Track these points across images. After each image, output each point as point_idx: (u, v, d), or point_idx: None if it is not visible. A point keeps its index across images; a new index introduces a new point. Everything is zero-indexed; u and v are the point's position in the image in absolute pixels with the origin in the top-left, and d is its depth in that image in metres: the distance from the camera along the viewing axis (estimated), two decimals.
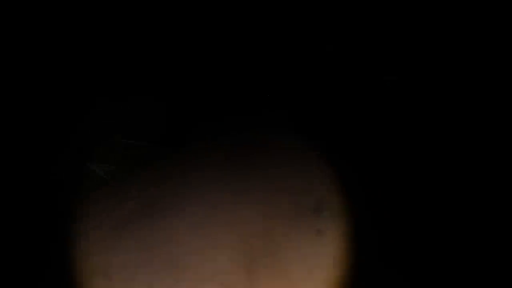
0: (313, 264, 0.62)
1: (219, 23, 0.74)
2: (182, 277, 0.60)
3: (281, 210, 0.63)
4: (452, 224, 0.66)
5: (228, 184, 0.64)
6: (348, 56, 0.74)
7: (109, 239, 0.61)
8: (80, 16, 0.67)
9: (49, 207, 0.62)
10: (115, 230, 0.61)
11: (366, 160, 0.69)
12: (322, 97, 0.75)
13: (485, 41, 0.66)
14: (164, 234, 0.60)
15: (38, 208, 0.62)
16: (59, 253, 0.61)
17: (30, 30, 0.65)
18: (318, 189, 0.67)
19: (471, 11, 0.67)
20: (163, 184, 0.65)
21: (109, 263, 0.59)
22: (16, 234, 0.61)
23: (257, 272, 0.61)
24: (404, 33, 0.71)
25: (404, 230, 0.66)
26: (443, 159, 0.68)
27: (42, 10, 0.66)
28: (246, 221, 0.64)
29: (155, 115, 0.73)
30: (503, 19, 0.66)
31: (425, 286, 0.64)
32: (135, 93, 0.70)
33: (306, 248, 0.63)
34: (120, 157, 0.67)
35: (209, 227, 0.63)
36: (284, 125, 0.73)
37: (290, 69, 0.74)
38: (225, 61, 0.74)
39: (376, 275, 0.63)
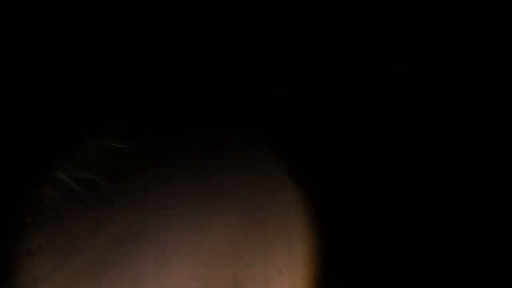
0: (283, 268, 0.62)
1: (208, 25, 0.72)
2: None
3: (253, 220, 0.62)
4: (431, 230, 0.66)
5: (199, 197, 0.62)
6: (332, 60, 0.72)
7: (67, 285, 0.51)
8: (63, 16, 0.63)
9: None
10: (75, 275, 0.52)
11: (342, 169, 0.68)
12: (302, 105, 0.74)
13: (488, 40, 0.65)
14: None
15: None
16: None
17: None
18: (290, 200, 0.67)
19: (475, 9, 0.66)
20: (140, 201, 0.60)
21: None
22: None
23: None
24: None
25: (379, 236, 0.66)
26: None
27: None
28: (216, 235, 0.62)
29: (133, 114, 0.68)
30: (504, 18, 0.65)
31: None
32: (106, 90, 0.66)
33: (277, 254, 0.63)
34: (96, 162, 0.60)
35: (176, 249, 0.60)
36: (257, 134, 0.72)
37: (275, 71, 0.72)
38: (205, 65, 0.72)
39: (347, 278, 0.63)
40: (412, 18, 0.69)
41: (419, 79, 0.70)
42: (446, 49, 0.69)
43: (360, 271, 0.65)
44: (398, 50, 0.69)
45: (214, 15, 0.70)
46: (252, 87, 0.72)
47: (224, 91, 0.73)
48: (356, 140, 0.72)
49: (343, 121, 0.72)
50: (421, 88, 0.71)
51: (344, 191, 0.69)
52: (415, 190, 0.69)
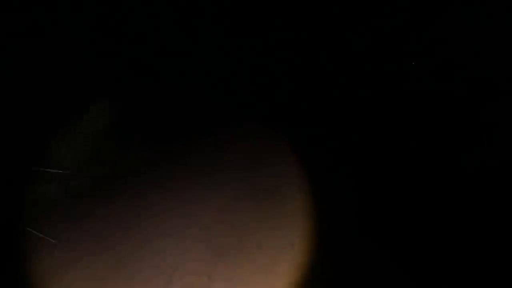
0: (278, 253, 0.63)
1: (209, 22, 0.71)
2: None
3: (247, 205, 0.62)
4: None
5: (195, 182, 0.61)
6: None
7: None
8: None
9: None
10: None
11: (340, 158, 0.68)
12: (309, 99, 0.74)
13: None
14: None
15: None
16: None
17: None
18: (284, 186, 0.66)
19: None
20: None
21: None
22: None
23: (224, 262, 0.60)
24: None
25: (369, 227, 0.66)
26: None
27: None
28: (212, 219, 0.62)
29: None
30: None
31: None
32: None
33: (271, 239, 0.63)
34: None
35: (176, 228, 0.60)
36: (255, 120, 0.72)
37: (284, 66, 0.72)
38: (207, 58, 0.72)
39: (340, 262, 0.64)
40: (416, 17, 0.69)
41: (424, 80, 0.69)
42: (448, 49, 0.68)
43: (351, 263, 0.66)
44: (401, 50, 0.68)
45: (219, 14, 0.70)
46: (254, 84, 0.72)
47: (227, 88, 0.73)
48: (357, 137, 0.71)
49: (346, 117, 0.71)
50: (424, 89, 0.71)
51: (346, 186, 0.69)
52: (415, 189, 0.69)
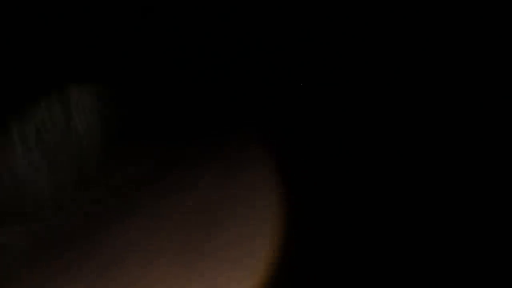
0: (248, 252, 0.63)
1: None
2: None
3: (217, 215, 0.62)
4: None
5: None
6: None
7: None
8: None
9: None
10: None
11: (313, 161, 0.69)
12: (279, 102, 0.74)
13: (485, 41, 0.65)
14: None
15: None
16: None
17: None
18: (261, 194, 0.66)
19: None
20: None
21: None
22: None
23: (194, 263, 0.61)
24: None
25: (344, 227, 0.67)
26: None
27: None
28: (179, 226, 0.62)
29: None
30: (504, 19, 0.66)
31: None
32: None
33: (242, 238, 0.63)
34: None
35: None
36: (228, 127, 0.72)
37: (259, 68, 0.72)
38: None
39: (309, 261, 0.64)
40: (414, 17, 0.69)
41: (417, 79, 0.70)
42: (446, 49, 0.69)
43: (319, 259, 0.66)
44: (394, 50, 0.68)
45: (215, 16, 0.70)
46: (247, 87, 0.73)
47: (220, 90, 0.73)
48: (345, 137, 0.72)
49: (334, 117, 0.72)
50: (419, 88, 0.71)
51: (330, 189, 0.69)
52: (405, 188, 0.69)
